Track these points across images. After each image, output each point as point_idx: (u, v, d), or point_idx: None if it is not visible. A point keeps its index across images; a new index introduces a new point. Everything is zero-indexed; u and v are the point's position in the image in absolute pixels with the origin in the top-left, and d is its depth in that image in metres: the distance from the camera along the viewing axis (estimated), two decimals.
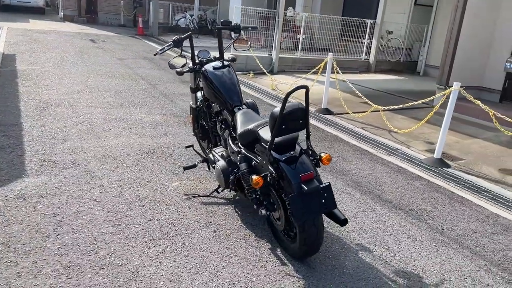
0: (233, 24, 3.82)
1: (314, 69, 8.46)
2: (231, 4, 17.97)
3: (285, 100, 2.44)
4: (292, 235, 2.86)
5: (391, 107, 6.61)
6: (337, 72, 7.59)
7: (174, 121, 5.93)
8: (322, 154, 2.71)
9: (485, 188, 4.65)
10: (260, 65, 10.24)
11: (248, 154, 2.93)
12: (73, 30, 16.43)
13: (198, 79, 3.90)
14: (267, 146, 2.69)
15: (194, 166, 3.91)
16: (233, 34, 3.91)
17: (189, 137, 5.23)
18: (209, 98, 3.66)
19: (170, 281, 2.61)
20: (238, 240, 3.10)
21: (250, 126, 2.92)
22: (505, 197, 4.45)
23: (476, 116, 7.70)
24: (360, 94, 7.34)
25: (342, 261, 2.96)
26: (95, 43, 13.25)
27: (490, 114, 5.19)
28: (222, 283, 2.62)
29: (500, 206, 4.22)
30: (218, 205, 3.61)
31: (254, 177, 2.66)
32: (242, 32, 3.84)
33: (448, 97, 5.26)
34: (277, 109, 2.49)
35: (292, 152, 2.65)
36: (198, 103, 4.07)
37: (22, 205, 3.32)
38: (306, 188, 2.49)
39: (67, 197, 3.51)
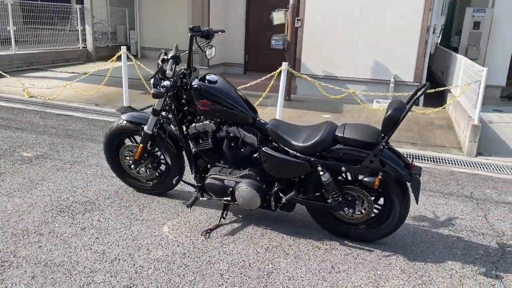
0: (204, 29, 3.35)
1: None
2: None
3: (413, 103, 2.68)
4: (369, 222, 3.15)
5: None
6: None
7: (12, 160, 4.43)
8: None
9: None
10: None
11: (331, 162, 2.94)
12: None
13: (168, 99, 3.30)
14: (358, 147, 2.86)
15: (196, 199, 3.36)
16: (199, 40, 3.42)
17: (70, 175, 4.15)
18: (212, 117, 3.20)
19: None
20: (316, 249, 3.11)
21: (323, 133, 2.91)
22: None
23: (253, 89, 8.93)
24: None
25: None
26: None
27: (317, 85, 6.43)
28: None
29: None
30: (243, 228, 3.34)
31: (368, 179, 2.80)
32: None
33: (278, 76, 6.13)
34: (394, 111, 2.69)
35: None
36: (153, 129, 3.43)
37: None
38: (417, 174, 2.86)
39: None
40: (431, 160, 5.29)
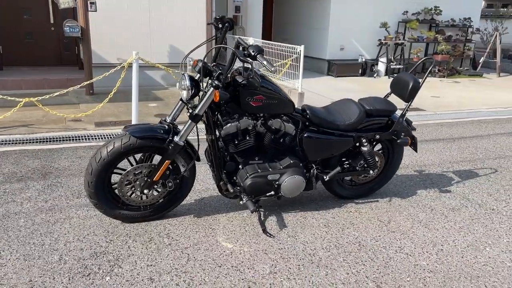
0: (228, 19, 2.95)
1: None
2: None
3: (428, 74, 3.35)
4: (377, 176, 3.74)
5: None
6: None
7: None
8: None
9: None
10: None
11: (368, 133, 3.34)
12: None
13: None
14: (391, 117, 3.44)
15: (252, 202, 3.07)
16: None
17: (17, 230, 2.98)
18: (260, 112, 2.98)
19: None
20: (353, 213, 3.50)
21: (360, 110, 3.27)
22: None
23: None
24: None
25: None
26: None
27: (170, 72, 6.13)
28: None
29: None
30: (282, 217, 3.36)
31: (402, 140, 3.39)
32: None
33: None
34: (415, 82, 3.31)
35: None
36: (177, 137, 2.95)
37: None
38: (415, 128, 3.63)
39: None
40: None
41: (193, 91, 2.83)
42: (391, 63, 11.46)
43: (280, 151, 3.21)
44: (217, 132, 3.02)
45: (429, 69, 3.42)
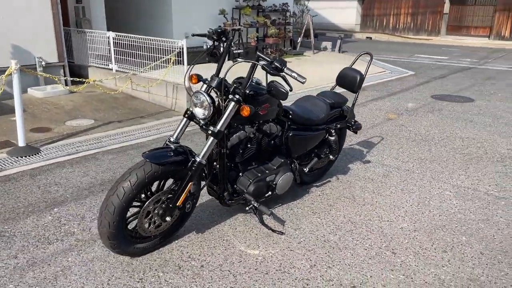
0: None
1: None
2: None
3: (368, 68, 3.84)
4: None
5: None
6: None
7: None
8: None
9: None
10: None
11: (332, 124, 3.72)
12: None
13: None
14: (339, 107, 3.86)
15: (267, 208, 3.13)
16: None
17: None
18: (261, 120, 3.05)
19: None
20: (327, 197, 3.92)
21: (327, 105, 3.62)
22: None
23: None
24: None
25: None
26: None
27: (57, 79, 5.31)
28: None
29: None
30: (277, 213, 3.57)
31: (357, 125, 3.87)
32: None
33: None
34: (361, 75, 3.75)
35: None
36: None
37: None
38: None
39: None
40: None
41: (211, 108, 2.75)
42: (233, 48, 12.05)
43: (270, 152, 3.36)
44: None
45: (369, 63, 3.99)
